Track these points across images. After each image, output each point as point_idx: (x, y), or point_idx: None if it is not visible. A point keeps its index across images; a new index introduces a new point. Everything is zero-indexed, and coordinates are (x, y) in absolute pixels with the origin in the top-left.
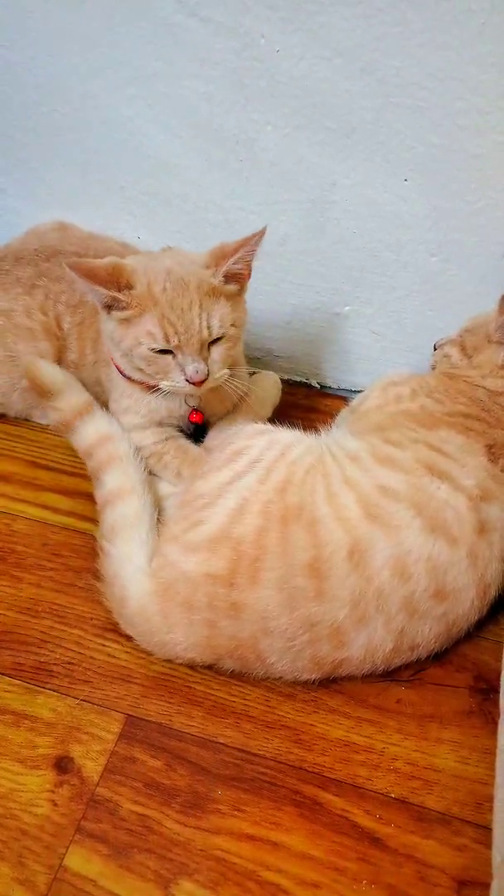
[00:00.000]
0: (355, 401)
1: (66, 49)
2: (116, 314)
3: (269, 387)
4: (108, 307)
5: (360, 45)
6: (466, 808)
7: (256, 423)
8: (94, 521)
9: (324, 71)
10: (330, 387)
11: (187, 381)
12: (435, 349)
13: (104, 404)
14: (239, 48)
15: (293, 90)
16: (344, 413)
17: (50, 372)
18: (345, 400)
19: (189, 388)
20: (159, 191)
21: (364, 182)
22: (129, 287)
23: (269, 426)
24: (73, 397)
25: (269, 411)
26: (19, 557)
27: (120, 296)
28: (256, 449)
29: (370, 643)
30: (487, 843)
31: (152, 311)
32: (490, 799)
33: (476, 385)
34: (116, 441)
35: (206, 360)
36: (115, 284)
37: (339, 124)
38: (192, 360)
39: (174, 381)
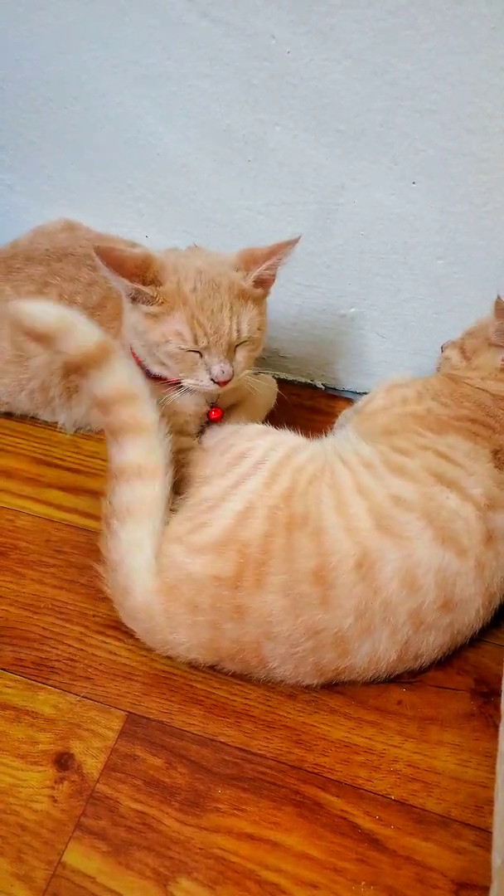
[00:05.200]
0: (360, 402)
1: (76, 47)
2: (143, 308)
3: (267, 391)
4: (134, 299)
5: (370, 47)
6: (466, 810)
7: (255, 423)
8: (97, 518)
9: (333, 73)
10: (334, 388)
11: (212, 380)
12: (442, 351)
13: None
14: (249, 49)
15: (302, 91)
16: (347, 413)
17: (40, 315)
18: (349, 401)
19: (213, 387)
20: (167, 190)
21: (372, 184)
22: (157, 283)
23: (269, 427)
24: (78, 339)
25: (263, 415)
26: (22, 554)
27: (146, 289)
28: (260, 450)
29: (374, 653)
30: (487, 847)
31: (182, 311)
32: (490, 802)
33: (479, 388)
34: (141, 405)
35: (231, 361)
36: (141, 278)
37: (348, 126)
38: (218, 360)
39: (199, 379)
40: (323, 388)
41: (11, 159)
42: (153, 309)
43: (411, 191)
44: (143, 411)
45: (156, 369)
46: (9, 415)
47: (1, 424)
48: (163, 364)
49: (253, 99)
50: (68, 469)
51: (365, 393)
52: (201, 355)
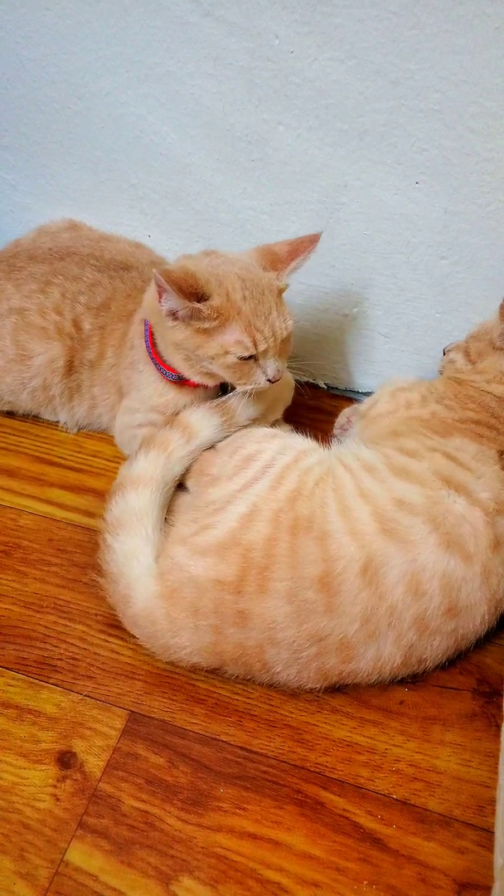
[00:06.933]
0: (364, 405)
1: (80, 46)
2: (195, 324)
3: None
4: (177, 315)
5: (373, 47)
6: (468, 810)
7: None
8: (99, 517)
9: (337, 72)
10: (337, 388)
11: (268, 380)
12: (444, 354)
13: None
14: (253, 48)
15: (306, 91)
16: (347, 412)
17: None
18: (352, 401)
19: (267, 385)
20: (170, 189)
21: (375, 184)
22: (205, 298)
23: (278, 430)
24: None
25: (279, 412)
26: (25, 552)
27: (203, 307)
28: (269, 453)
29: (378, 657)
30: (489, 847)
31: (237, 321)
32: (492, 802)
33: (483, 391)
34: (187, 440)
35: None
36: (194, 296)
37: (352, 126)
38: (273, 360)
39: (256, 382)
40: (326, 387)
41: (15, 158)
42: (207, 324)
43: (415, 190)
44: (179, 442)
45: (196, 378)
46: (11, 414)
47: (3, 423)
48: (208, 374)
49: (256, 98)
50: (70, 468)
51: (368, 393)
52: (256, 359)
